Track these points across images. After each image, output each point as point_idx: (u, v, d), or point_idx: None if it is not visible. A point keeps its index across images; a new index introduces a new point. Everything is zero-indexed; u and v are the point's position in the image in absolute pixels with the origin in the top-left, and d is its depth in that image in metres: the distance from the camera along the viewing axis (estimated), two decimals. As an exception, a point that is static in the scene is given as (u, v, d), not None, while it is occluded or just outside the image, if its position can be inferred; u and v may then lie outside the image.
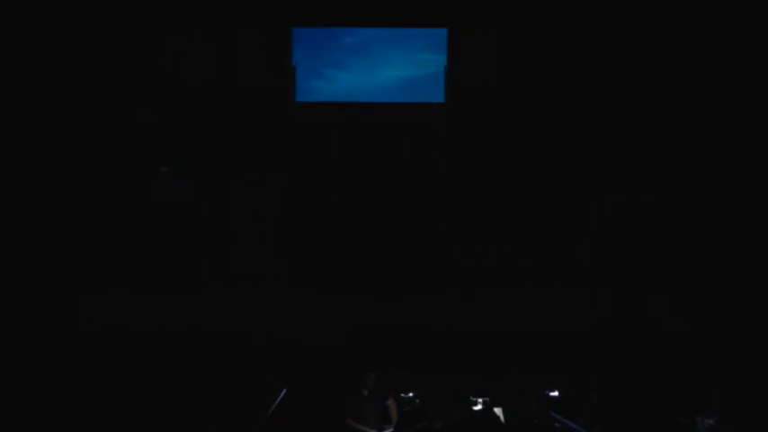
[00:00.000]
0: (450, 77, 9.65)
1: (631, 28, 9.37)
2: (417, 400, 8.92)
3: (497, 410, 8.14)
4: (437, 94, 9.78)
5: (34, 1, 9.07)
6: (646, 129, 9.38)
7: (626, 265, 9.14)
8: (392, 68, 9.89)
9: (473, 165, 9.58)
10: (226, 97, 9.52)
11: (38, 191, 9.07)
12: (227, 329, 8.73)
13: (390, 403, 8.48)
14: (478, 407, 8.14)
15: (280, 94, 9.54)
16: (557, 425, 7.85)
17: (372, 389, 8.27)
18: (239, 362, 8.68)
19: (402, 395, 8.84)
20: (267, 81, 9.49)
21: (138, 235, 9.26)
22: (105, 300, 8.83)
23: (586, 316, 8.94)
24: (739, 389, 7.40)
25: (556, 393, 8.64)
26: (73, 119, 9.28)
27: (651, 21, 9.34)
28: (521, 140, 9.56)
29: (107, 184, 9.28)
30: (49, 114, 9.21)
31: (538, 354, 8.85)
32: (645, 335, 8.73)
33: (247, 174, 9.44)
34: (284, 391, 8.05)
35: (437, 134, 9.68)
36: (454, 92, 9.64)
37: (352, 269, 9.26)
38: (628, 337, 8.75)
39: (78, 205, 9.16)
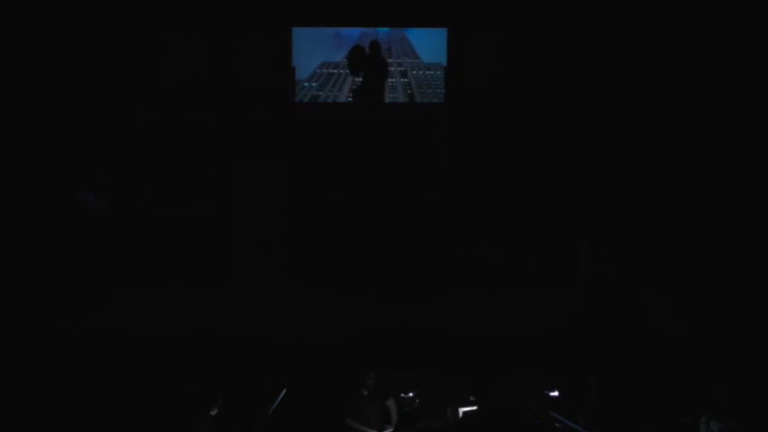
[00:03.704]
0: (450, 77, 9.67)
1: (630, 28, 9.39)
2: (417, 400, 8.91)
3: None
4: (437, 94, 9.81)
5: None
6: (645, 128, 9.40)
7: (625, 265, 9.16)
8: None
9: (473, 164, 9.60)
10: (226, 97, 9.53)
11: (37, 191, 9.08)
12: (226, 329, 8.74)
13: (390, 403, 8.46)
14: (474, 407, 8.18)
15: (280, 93, 9.56)
16: (557, 425, 7.85)
17: (372, 389, 8.25)
18: (239, 362, 8.68)
19: (402, 395, 8.83)
20: (267, 81, 9.50)
21: (137, 235, 9.27)
22: (103, 298, 8.83)
23: (585, 316, 8.95)
24: (742, 389, 7.40)
25: (556, 393, 8.65)
26: (73, 119, 9.29)
27: (650, 21, 9.36)
28: (520, 140, 9.58)
29: (105, 183, 9.29)
30: (47, 115, 9.22)
31: (537, 354, 8.86)
32: (645, 335, 8.74)
33: (248, 174, 9.44)
34: (284, 391, 8.04)
35: (437, 134, 9.69)
36: (454, 92, 9.66)
37: (353, 269, 9.27)
38: (628, 338, 8.76)
39: (77, 204, 9.17)
